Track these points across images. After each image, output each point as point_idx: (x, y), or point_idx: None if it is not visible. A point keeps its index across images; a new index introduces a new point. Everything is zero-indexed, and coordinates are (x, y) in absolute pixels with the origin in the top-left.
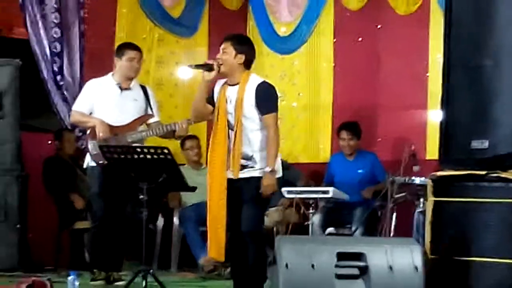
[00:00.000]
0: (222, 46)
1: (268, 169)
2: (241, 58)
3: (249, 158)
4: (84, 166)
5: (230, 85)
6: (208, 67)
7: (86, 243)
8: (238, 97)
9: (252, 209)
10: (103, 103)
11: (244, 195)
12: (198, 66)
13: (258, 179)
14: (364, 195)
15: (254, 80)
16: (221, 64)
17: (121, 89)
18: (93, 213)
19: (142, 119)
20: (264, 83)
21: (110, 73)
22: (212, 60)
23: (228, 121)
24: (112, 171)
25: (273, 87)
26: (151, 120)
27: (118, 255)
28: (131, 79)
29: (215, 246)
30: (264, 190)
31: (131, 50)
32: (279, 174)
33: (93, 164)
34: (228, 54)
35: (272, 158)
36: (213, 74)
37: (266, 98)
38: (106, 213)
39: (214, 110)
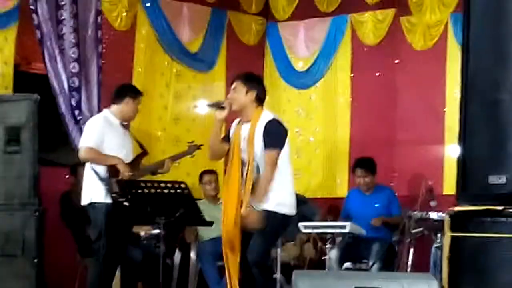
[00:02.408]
0: (233, 85)
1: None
2: (252, 94)
3: None
4: (87, 202)
5: (244, 122)
6: (219, 106)
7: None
8: (250, 135)
9: (260, 240)
10: (113, 142)
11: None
12: (210, 106)
13: (269, 214)
14: (373, 223)
15: (265, 116)
16: (231, 103)
17: (123, 127)
18: (107, 251)
19: (141, 157)
20: (274, 120)
21: (107, 110)
22: (224, 99)
23: (242, 158)
24: (122, 208)
25: (282, 125)
26: None
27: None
28: (129, 121)
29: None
30: (246, 223)
31: (141, 95)
32: (286, 210)
33: (108, 201)
34: (238, 92)
35: (260, 196)
36: (224, 113)
37: (271, 134)
38: (117, 251)
39: (229, 148)
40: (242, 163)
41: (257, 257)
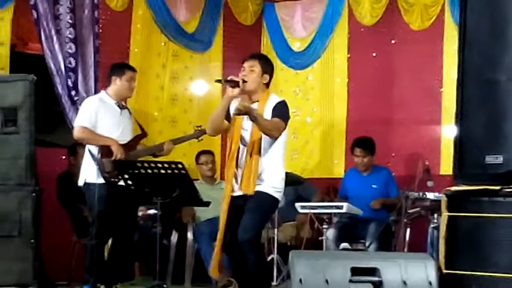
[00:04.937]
0: (249, 63)
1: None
2: (266, 78)
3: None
4: (81, 183)
5: (249, 102)
6: (234, 84)
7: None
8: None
9: (253, 219)
10: (107, 122)
11: (246, 206)
12: (226, 82)
13: (261, 193)
14: (372, 205)
15: (273, 99)
16: (246, 82)
17: (120, 108)
18: (98, 231)
19: (139, 139)
20: (284, 101)
21: (103, 91)
22: (237, 77)
23: (242, 137)
24: (119, 188)
25: (288, 107)
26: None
27: (128, 265)
28: (126, 98)
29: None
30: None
31: (131, 70)
32: (278, 194)
33: (100, 181)
34: (256, 72)
35: (261, 117)
36: (237, 91)
37: (281, 109)
38: (110, 231)
39: (230, 126)
40: (241, 141)
41: (250, 234)
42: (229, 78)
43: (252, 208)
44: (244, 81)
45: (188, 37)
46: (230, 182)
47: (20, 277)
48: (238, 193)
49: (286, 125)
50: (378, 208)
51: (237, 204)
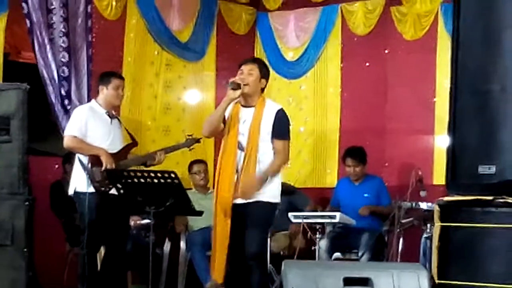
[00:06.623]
0: (248, 67)
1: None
2: (263, 83)
3: None
4: (72, 192)
5: (244, 106)
6: (237, 86)
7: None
8: (255, 120)
9: (258, 233)
10: (97, 131)
11: (248, 218)
12: (231, 83)
13: (263, 204)
14: (360, 212)
15: (271, 105)
16: (246, 85)
17: (110, 117)
18: (89, 240)
19: (129, 148)
20: (283, 110)
21: (93, 100)
22: (238, 79)
23: (238, 141)
24: (110, 197)
25: (288, 118)
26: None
27: (121, 275)
28: (115, 107)
29: (218, 269)
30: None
31: (117, 78)
32: (278, 199)
33: (91, 190)
34: (254, 76)
35: (269, 172)
36: (238, 93)
37: (283, 125)
38: (101, 240)
39: (225, 129)
40: (238, 146)
41: (257, 248)
42: (231, 80)
43: (257, 223)
44: (244, 84)
45: (182, 47)
46: (226, 189)
47: (12, 286)
48: (238, 201)
49: (289, 142)
50: (366, 215)
51: (239, 211)
